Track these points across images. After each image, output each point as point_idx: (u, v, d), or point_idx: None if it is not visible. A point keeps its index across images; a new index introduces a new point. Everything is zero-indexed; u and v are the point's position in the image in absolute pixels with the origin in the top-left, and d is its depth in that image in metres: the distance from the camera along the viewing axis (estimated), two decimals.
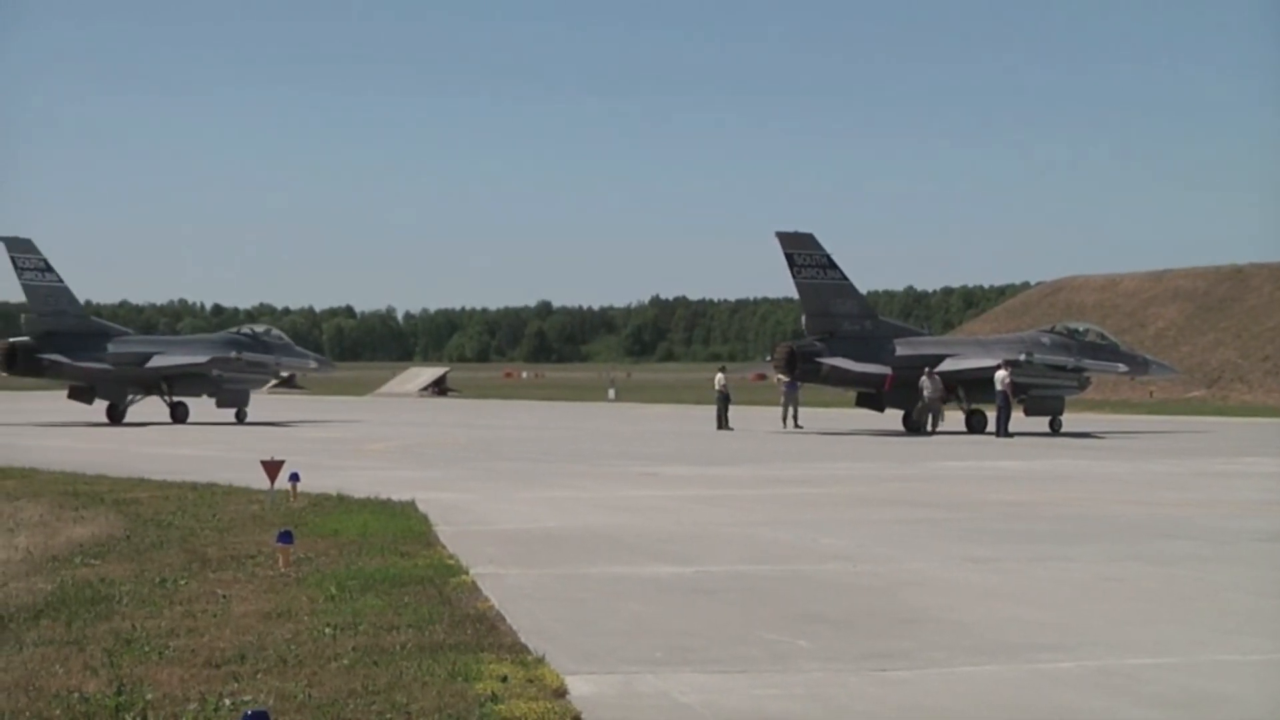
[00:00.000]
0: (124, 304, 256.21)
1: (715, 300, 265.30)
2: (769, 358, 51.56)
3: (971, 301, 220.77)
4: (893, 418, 48.79)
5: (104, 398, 51.66)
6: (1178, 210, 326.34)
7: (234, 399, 52.76)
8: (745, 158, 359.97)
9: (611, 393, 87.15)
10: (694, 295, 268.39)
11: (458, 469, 29.25)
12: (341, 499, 20.99)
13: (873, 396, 48.33)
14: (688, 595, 12.95)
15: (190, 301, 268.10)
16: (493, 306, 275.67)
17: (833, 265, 47.35)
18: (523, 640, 10.70)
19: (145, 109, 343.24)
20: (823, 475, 28.19)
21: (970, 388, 47.02)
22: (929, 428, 45.82)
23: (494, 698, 8.93)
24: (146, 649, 10.38)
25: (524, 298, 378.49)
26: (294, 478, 21.19)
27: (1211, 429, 51.51)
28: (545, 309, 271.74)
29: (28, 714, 8.65)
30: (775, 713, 8.86)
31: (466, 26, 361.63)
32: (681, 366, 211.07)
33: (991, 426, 45.52)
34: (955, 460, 33.39)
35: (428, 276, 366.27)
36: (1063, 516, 20.25)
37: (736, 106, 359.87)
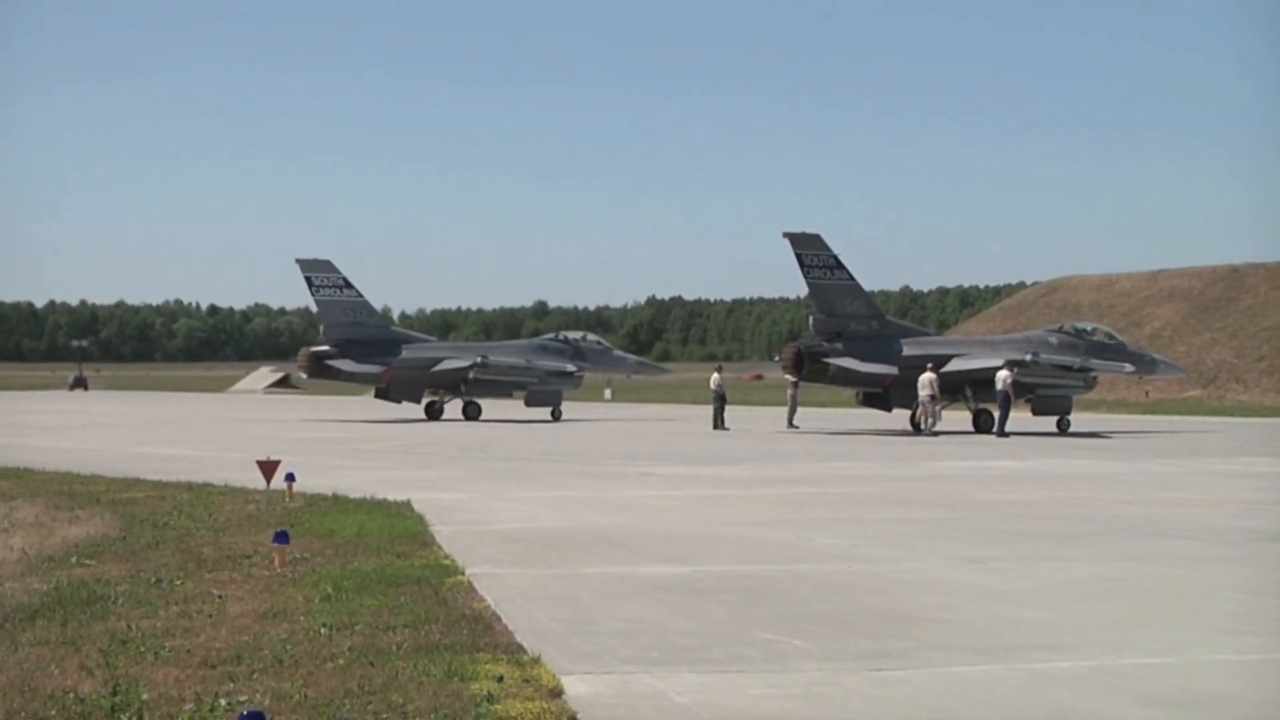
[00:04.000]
0: (121, 304, 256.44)
1: (711, 300, 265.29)
2: (776, 358, 51.76)
3: (967, 301, 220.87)
4: (900, 418, 48.79)
5: (401, 398, 56.89)
6: (1173, 209, 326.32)
7: (544, 399, 56.82)
8: (741, 157, 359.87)
9: (608, 392, 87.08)
10: (690, 295, 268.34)
11: (454, 469, 29.22)
12: (337, 499, 20.97)
13: (879, 396, 48.47)
14: (685, 595, 12.94)
15: (185, 301, 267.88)
16: (489, 306, 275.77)
17: (840, 266, 47.56)
18: (519, 640, 10.68)
19: (119, 108, 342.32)
20: (820, 475, 28.16)
21: (977, 388, 47.09)
22: (927, 428, 45.80)
23: (490, 698, 8.91)
24: (142, 649, 10.36)
25: (520, 298, 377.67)
26: (290, 478, 21.17)
27: (1208, 429, 51.54)
28: (541, 309, 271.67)
29: (24, 714, 8.62)
30: (772, 712, 8.84)
31: (463, 23, 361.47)
32: (678, 366, 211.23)
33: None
34: (953, 460, 33.38)
35: (424, 276, 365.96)
36: (1060, 516, 20.24)
37: (733, 106, 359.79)
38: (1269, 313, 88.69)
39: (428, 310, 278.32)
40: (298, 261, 56.83)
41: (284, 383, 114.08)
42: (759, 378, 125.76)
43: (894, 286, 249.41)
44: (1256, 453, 37.37)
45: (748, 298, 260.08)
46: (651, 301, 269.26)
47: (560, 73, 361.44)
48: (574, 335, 60.43)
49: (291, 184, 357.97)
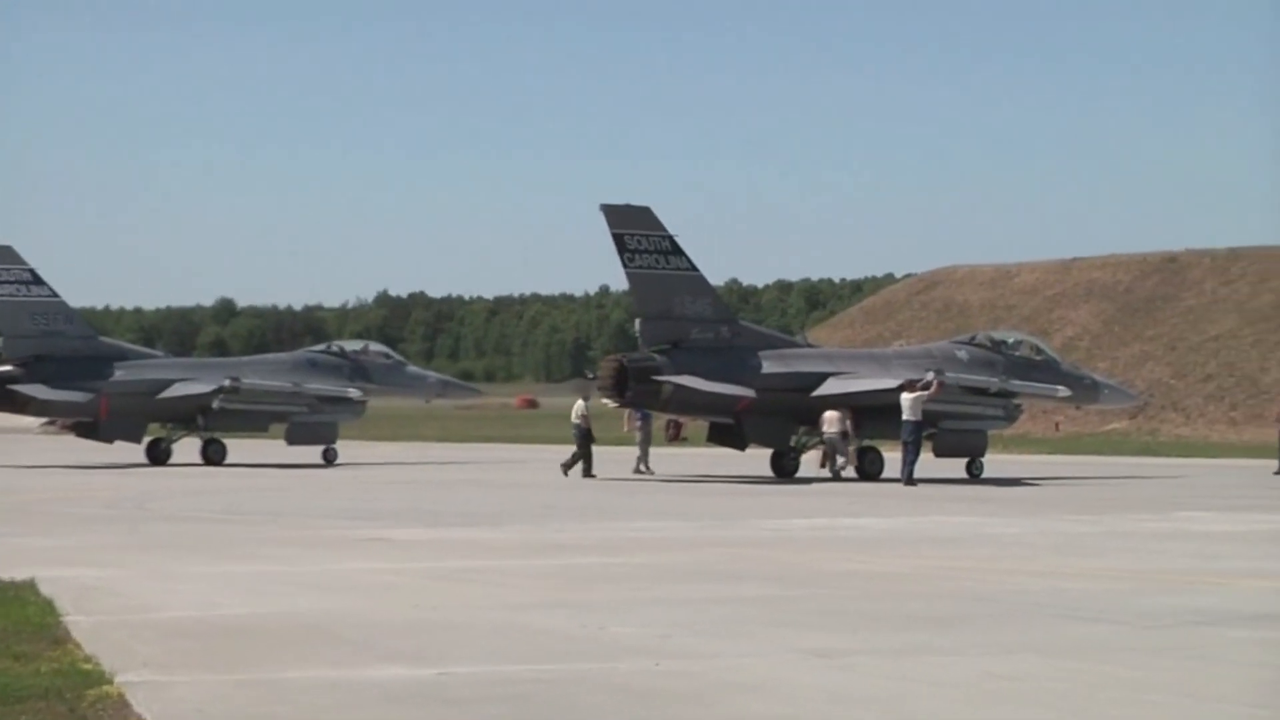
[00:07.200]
0: None
1: (467, 298, 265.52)
2: (592, 375, 51.99)
3: (817, 300, 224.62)
4: (758, 458, 49.32)
5: (115, 436, 57.06)
6: (1091, 181, 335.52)
7: (314, 435, 57.37)
8: (507, 114, 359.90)
9: None
10: (436, 291, 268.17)
11: (101, 534, 28.80)
12: None
13: (730, 429, 48.75)
14: (427, 707, 12.88)
15: None
16: (150, 305, 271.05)
17: (677, 251, 47.63)
18: None
19: None
20: (617, 539, 28.30)
21: (865, 418, 47.44)
22: (834, 471, 46.62)
23: None
24: None
25: (196, 294, 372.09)
26: None
27: (1136, 473, 52.99)
28: (227, 309, 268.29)
29: None
30: None
31: None
32: None
33: (891, 471, 46.29)
34: (796, 518, 33.79)
35: (61, 267, 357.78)
36: (939, 594, 20.61)
37: (496, 46, 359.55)
38: (1217, 317, 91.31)
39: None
40: None
41: None
42: (530, 404, 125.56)
43: (718, 280, 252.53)
44: (1196, 505, 38.50)
45: (517, 295, 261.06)
46: (384, 299, 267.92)
47: (248, 9, 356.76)
48: (353, 346, 61.31)
49: None
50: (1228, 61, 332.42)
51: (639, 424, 51.10)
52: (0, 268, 56.14)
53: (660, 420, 54.29)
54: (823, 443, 47.20)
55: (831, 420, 46.36)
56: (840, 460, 46.69)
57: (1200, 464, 61.70)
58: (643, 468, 50.39)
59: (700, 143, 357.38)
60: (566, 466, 49.08)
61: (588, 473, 48.82)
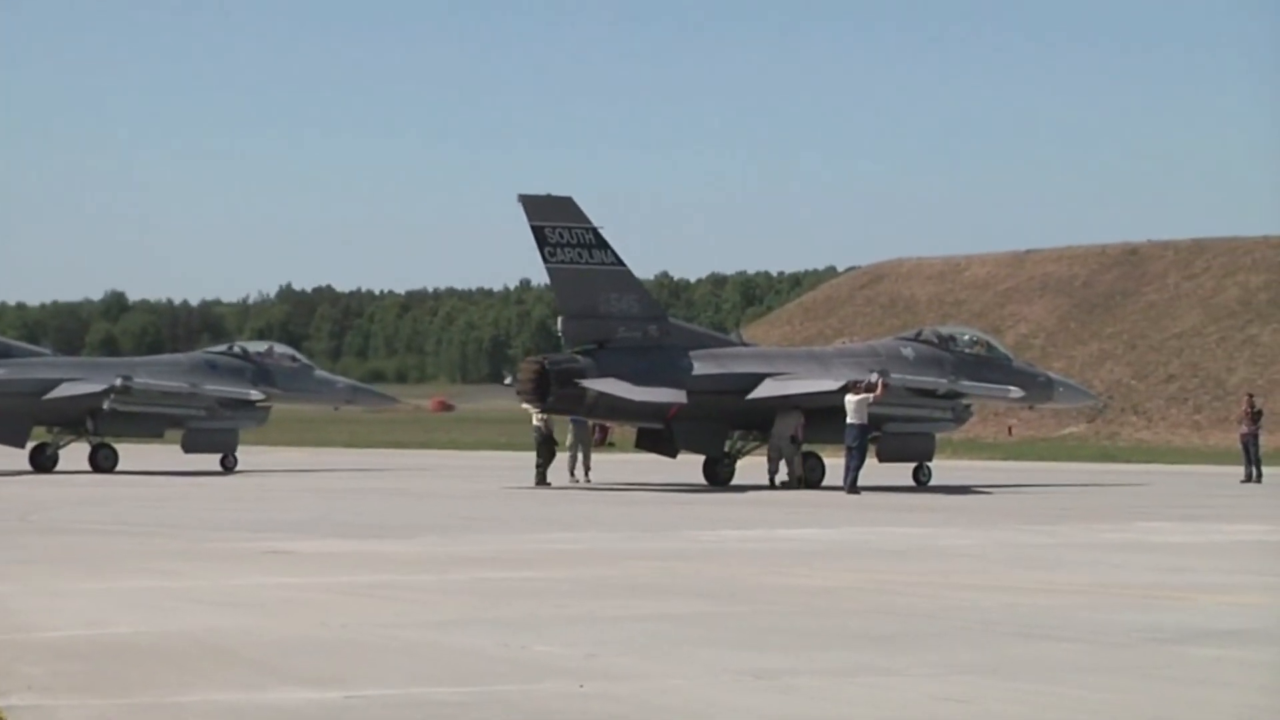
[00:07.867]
0: None
1: (377, 293, 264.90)
2: (509, 379, 51.96)
3: (754, 296, 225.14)
4: (692, 465, 49.32)
5: None
6: (1047, 167, 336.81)
7: (212, 441, 57.24)
8: (414, 103, 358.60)
9: None
10: (343, 285, 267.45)
11: None
12: None
13: (660, 435, 48.72)
14: None
15: None
16: (35, 301, 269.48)
17: (602, 245, 47.57)
18: None
19: None
20: (539, 552, 28.31)
21: (805, 420, 47.55)
22: (784, 478, 46.79)
23: None
24: None
25: (84, 288, 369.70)
26: None
27: (1094, 481, 53.21)
28: (117, 304, 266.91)
29: None
30: None
31: None
32: None
33: (833, 478, 46.39)
34: (730, 528, 33.84)
35: None
36: (884, 610, 20.67)
37: (404, 37, 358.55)
38: (1180, 313, 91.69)
39: None
40: None
41: None
42: (445, 406, 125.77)
43: (647, 274, 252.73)
44: (1158, 515, 38.72)
45: (430, 289, 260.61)
46: (287, 294, 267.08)
47: None
48: (256, 348, 61.43)
49: None
50: (1187, 47, 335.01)
51: (572, 427, 51.09)
52: None
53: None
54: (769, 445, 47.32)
55: (787, 426, 46.41)
56: (784, 467, 46.79)
57: (1163, 470, 62.00)
58: (578, 474, 50.37)
59: (627, 128, 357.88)
60: (540, 476, 49.14)
61: (542, 480, 48.90)
